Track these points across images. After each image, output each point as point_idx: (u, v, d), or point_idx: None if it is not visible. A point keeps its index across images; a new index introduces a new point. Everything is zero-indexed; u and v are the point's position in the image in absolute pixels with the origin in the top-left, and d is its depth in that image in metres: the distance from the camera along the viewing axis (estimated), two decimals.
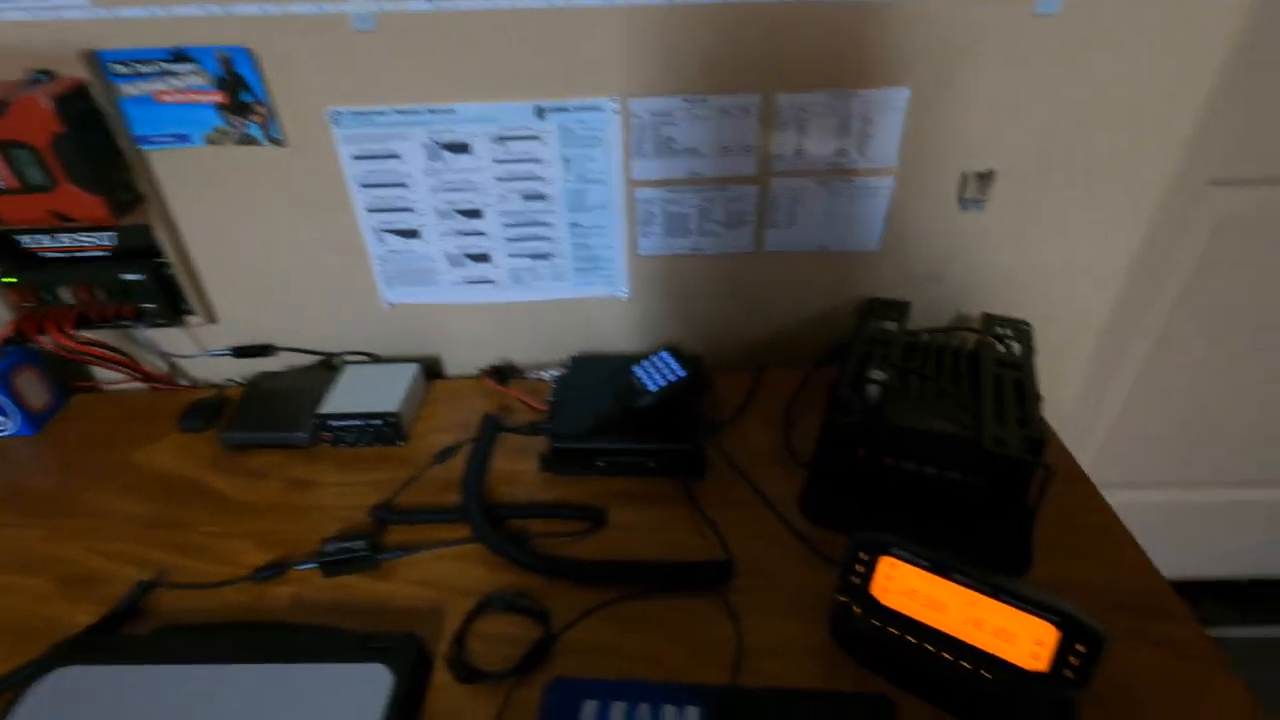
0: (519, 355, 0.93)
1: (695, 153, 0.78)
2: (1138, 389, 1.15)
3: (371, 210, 0.82)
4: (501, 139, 0.77)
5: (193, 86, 0.72)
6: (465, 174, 0.79)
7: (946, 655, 0.51)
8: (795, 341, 0.92)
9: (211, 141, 0.75)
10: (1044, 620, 0.48)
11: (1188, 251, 1.01)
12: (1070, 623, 0.47)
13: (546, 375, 0.87)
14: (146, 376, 0.91)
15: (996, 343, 0.77)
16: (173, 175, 0.78)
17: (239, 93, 0.72)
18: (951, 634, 0.51)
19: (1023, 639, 0.49)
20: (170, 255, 0.82)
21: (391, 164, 0.79)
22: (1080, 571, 0.63)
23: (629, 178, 0.80)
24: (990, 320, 0.80)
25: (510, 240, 0.84)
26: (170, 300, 0.85)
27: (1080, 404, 1.16)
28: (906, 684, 0.55)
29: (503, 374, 0.89)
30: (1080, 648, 0.47)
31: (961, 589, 0.51)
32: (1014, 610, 0.49)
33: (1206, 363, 1.13)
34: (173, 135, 0.75)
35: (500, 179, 0.80)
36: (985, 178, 0.79)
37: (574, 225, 0.83)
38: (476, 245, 0.85)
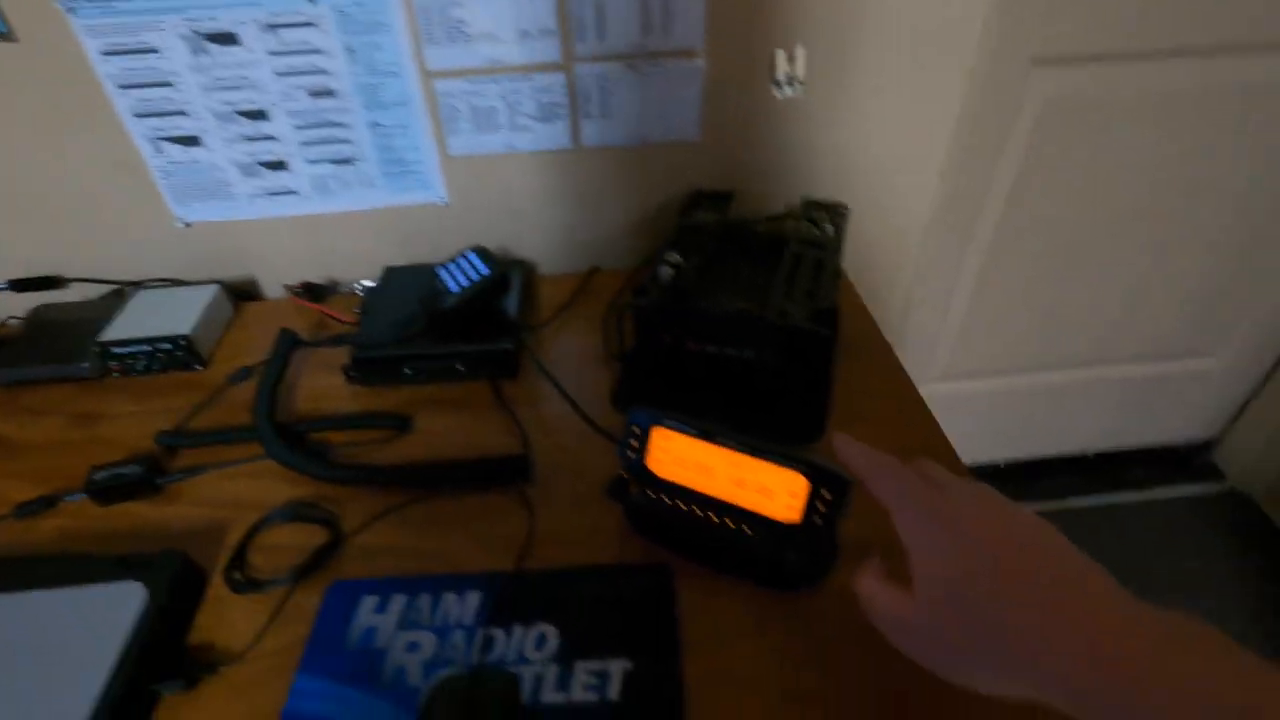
0: (341, 272, 0.88)
1: (492, 38, 0.73)
2: (984, 277, 1.19)
3: (139, 116, 0.74)
4: (272, 26, 0.70)
5: None
6: (238, 69, 0.72)
7: (714, 517, 0.52)
8: (627, 240, 0.90)
9: None
10: (794, 471, 0.48)
11: (1018, 135, 1.03)
12: (817, 471, 0.48)
13: (358, 288, 0.83)
14: None
15: (812, 226, 0.77)
16: None
17: None
18: (719, 497, 0.52)
19: (779, 493, 0.50)
20: None
21: (150, 60, 0.71)
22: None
23: (424, 68, 0.74)
24: (808, 205, 0.80)
25: (305, 145, 0.78)
26: None
27: (927, 291, 1.19)
28: (687, 551, 0.56)
29: (316, 291, 0.84)
30: (826, 494, 0.48)
31: (726, 451, 0.51)
32: (770, 465, 0.49)
33: (1046, 248, 1.16)
34: None
35: (280, 74, 0.73)
36: (796, 58, 0.77)
37: (374, 125, 0.78)
38: (269, 151, 0.78)
